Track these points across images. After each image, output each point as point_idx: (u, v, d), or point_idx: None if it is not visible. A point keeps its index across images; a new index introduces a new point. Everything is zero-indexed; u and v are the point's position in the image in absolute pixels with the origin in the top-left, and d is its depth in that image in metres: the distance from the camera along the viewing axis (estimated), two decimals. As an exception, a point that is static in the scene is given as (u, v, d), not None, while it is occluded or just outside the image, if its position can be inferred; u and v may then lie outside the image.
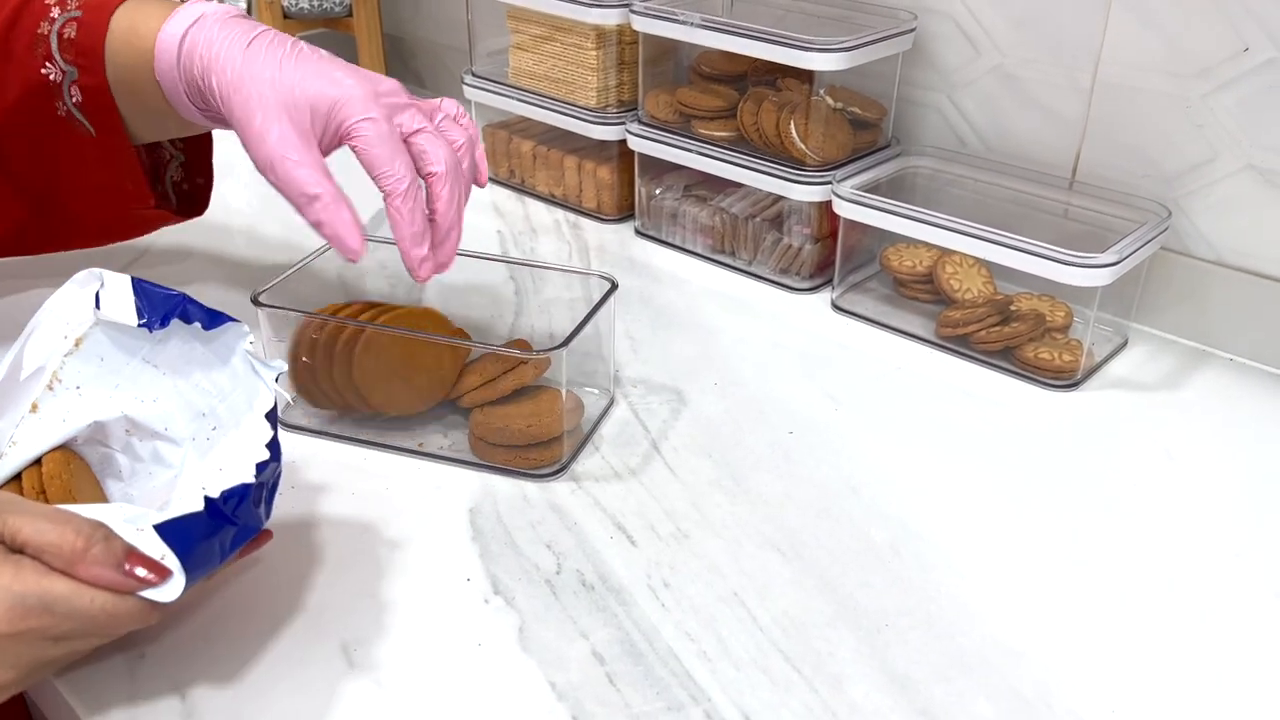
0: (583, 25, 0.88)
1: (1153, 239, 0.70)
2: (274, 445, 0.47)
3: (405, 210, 0.57)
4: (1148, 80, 0.72)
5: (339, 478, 0.60)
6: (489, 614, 0.51)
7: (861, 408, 0.68)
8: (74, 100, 0.61)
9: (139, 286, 0.51)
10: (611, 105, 0.91)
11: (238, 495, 0.44)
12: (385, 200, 0.57)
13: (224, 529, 0.43)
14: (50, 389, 0.50)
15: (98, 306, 0.50)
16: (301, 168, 0.56)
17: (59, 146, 0.63)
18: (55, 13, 0.61)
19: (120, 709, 0.46)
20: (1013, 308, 0.74)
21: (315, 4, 1.16)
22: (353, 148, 0.58)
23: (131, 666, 0.48)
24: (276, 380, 0.50)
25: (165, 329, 0.50)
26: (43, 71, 0.60)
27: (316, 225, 0.57)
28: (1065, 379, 0.70)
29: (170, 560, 0.41)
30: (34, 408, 0.50)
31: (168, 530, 0.42)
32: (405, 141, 0.58)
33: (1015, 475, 0.62)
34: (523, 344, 0.67)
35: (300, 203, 0.57)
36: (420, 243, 0.58)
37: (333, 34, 1.23)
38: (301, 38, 1.27)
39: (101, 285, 0.50)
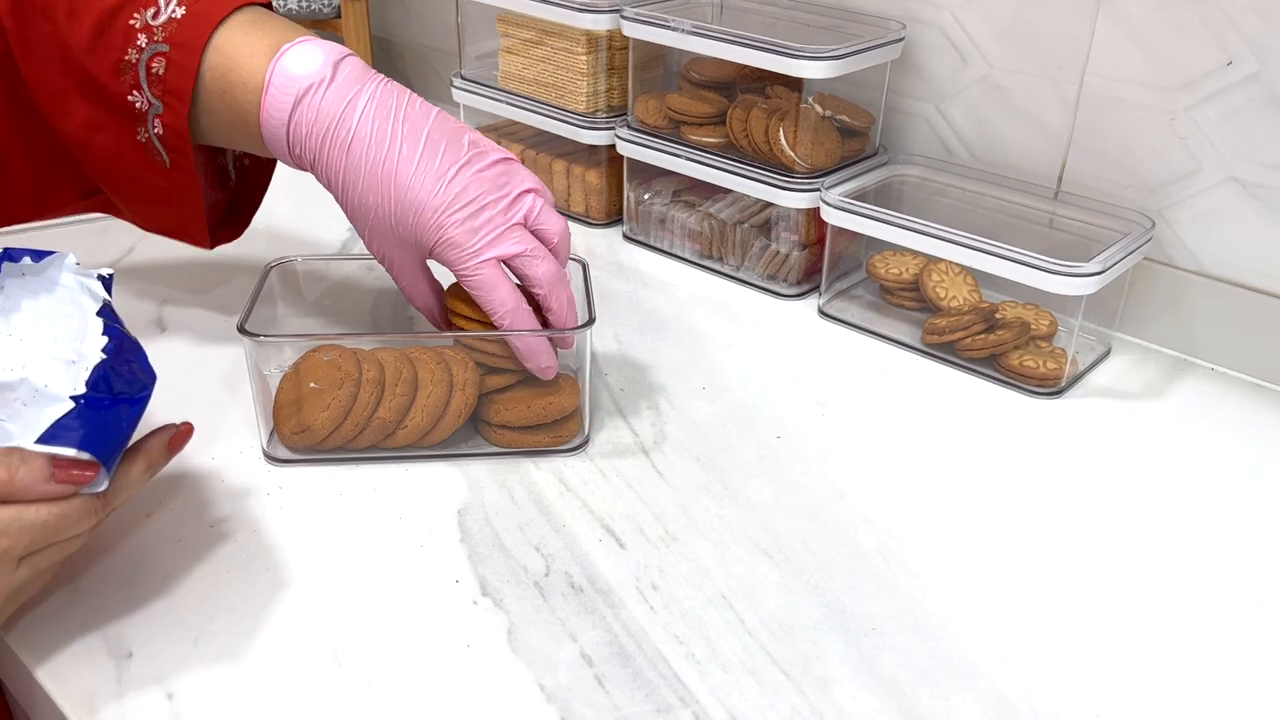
0: (573, 30, 0.88)
1: (1136, 249, 0.71)
2: (108, 319, 0.49)
3: (524, 334, 0.60)
4: (1132, 92, 0.73)
5: (326, 479, 0.60)
6: (477, 616, 0.51)
7: (848, 413, 0.68)
8: (155, 131, 0.60)
9: None
10: (601, 110, 0.91)
11: (99, 375, 0.46)
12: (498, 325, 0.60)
13: (113, 408, 0.45)
14: None
15: None
16: (408, 293, 0.64)
17: (135, 166, 0.62)
18: (142, 40, 0.59)
19: (107, 709, 0.45)
20: (998, 316, 0.75)
21: (304, 5, 1.16)
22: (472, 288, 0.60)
23: (119, 666, 0.47)
24: (100, 279, 0.50)
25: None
26: (130, 99, 0.59)
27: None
28: (1049, 387, 0.71)
29: (85, 455, 0.44)
30: None
31: (57, 434, 0.44)
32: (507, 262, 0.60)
33: (1000, 481, 0.62)
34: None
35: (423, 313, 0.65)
36: (537, 356, 0.60)
37: (320, 36, 1.23)
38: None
39: None
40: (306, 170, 0.61)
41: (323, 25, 1.17)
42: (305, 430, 0.59)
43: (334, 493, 0.59)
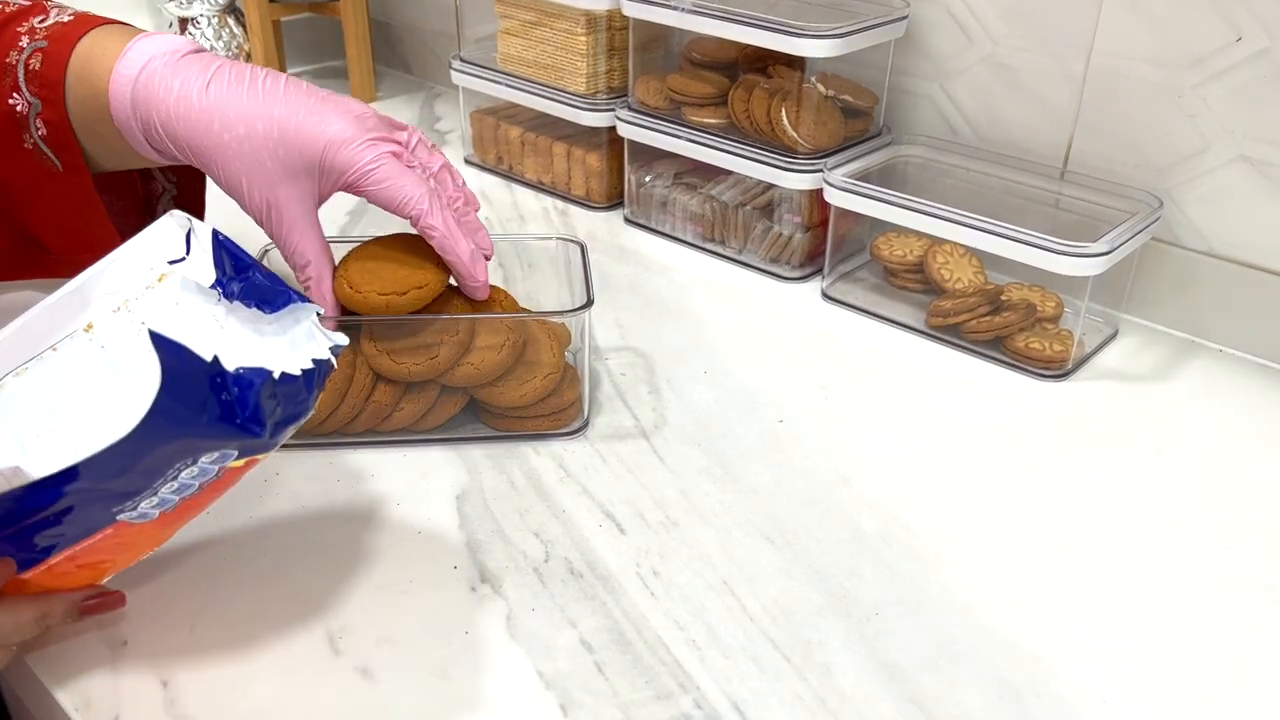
0: (573, 10, 0.87)
1: (1144, 229, 0.70)
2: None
3: (445, 226, 0.57)
4: (1140, 70, 0.72)
5: (322, 464, 0.59)
6: (476, 602, 0.51)
7: (852, 397, 0.67)
8: (39, 133, 0.58)
9: (218, 241, 0.47)
10: (601, 91, 0.90)
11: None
12: (416, 223, 0.57)
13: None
14: (116, 312, 0.44)
15: (188, 250, 0.46)
16: (291, 233, 0.57)
17: (29, 179, 0.60)
18: (25, 41, 0.58)
19: (102, 697, 0.45)
20: (1003, 297, 0.74)
21: (302, -12, 1.15)
22: (363, 193, 0.57)
23: (114, 654, 0.47)
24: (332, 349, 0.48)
25: (230, 302, 0.46)
26: (10, 102, 0.58)
27: (305, 288, 0.58)
28: (1055, 369, 0.70)
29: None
30: (89, 327, 0.44)
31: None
32: None
33: (1005, 465, 0.62)
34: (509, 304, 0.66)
35: (290, 264, 0.58)
36: (461, 244, 0.58)
37: (318, 19, 1.22)
38: (286, 23, 1.27)
39: (191, 229, 0.47)
40: (158, 149, 0.59)
41: (321, 9, 1.16)
42: None
43: (330, 478, 0.58)
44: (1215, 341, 0.74)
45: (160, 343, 0.41)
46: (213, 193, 0.73)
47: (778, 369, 0.70)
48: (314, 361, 0.45)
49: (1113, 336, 0.75)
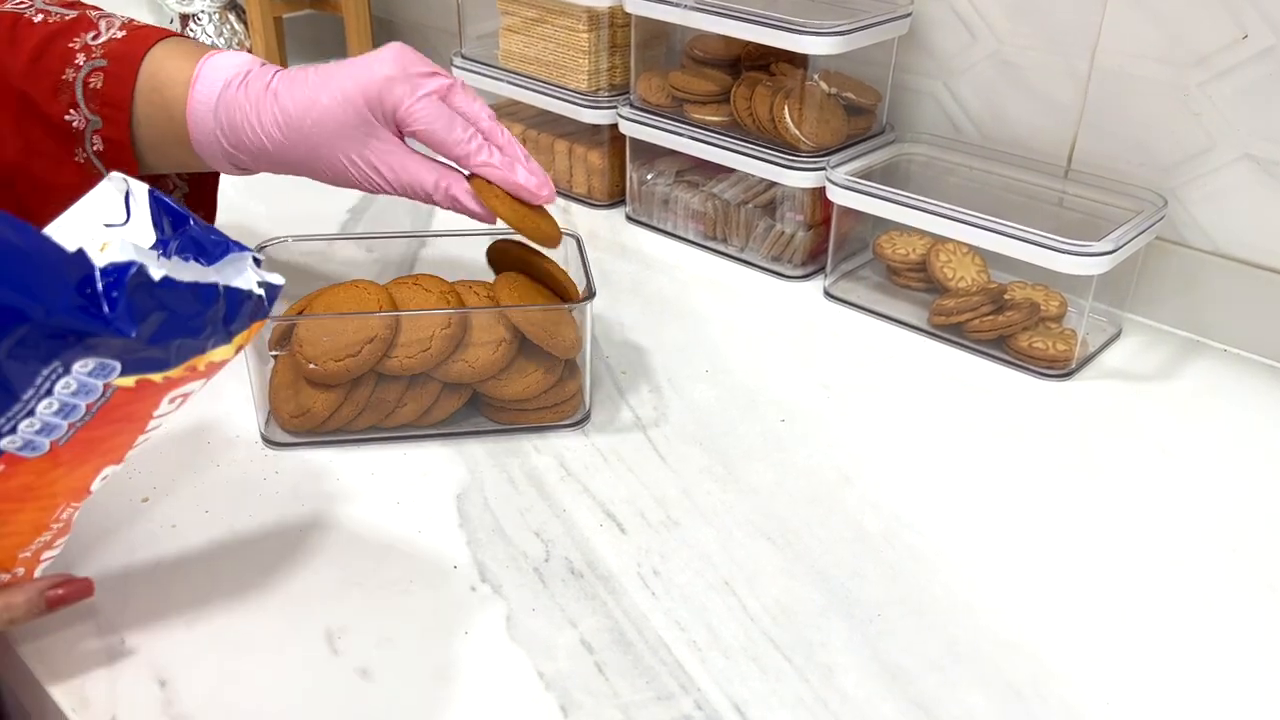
0: (575, 8, 0.87)
1: (1148, 228, 0.70)
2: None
3: (491, 162, 0.59)
4: (1145, 68, 0.72)
5: (323, 463, 0.59)
6: (476, 602, 0.50)
7: (854, 396, 0.67)
8: (94, 149, 0.60)
9: (156, 199, 0.46)
10: (603, 89, 0.90)
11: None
12: (466, 164, 0.59)
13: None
14: None
15: (128, 215, 0.46)
16: (405, 171, 0.59)
17: (75, 191, 0.62)
18: (81, 59, 0.60)
19: (100, 696, 0.45)
20: (1007, 296, 0.73)
21: (304, -16, 1.14)
22: (413, 133, 0.59)
23: (111, 653, 0.47)
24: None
25: (170, 259, 0.45)
26: (66, 118, 0.60)
27: (450, 204, 0.60)
28: (1059, 369, 0.70)
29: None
30: None
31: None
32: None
33: (1008, 465, 0.61)
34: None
35: (425, 198, 0.60)
36: (516, 170, 0.59)
37: (320, 16, 1.22)
38: (288, 20, 1.27)
39: (129, 191, 0.46)
40: (242, 166, 0.61)
41: (323, 5, 1.16)
42: (306, 413, 0.59)
43: (331, 477, 0.58)
44: (1219, 341, 0.74)
45: None
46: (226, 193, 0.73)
47: (779, 368, 0.70)
48: (225, 288, 0.43)
49: (1116, 336, 0.75)
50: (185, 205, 0.72)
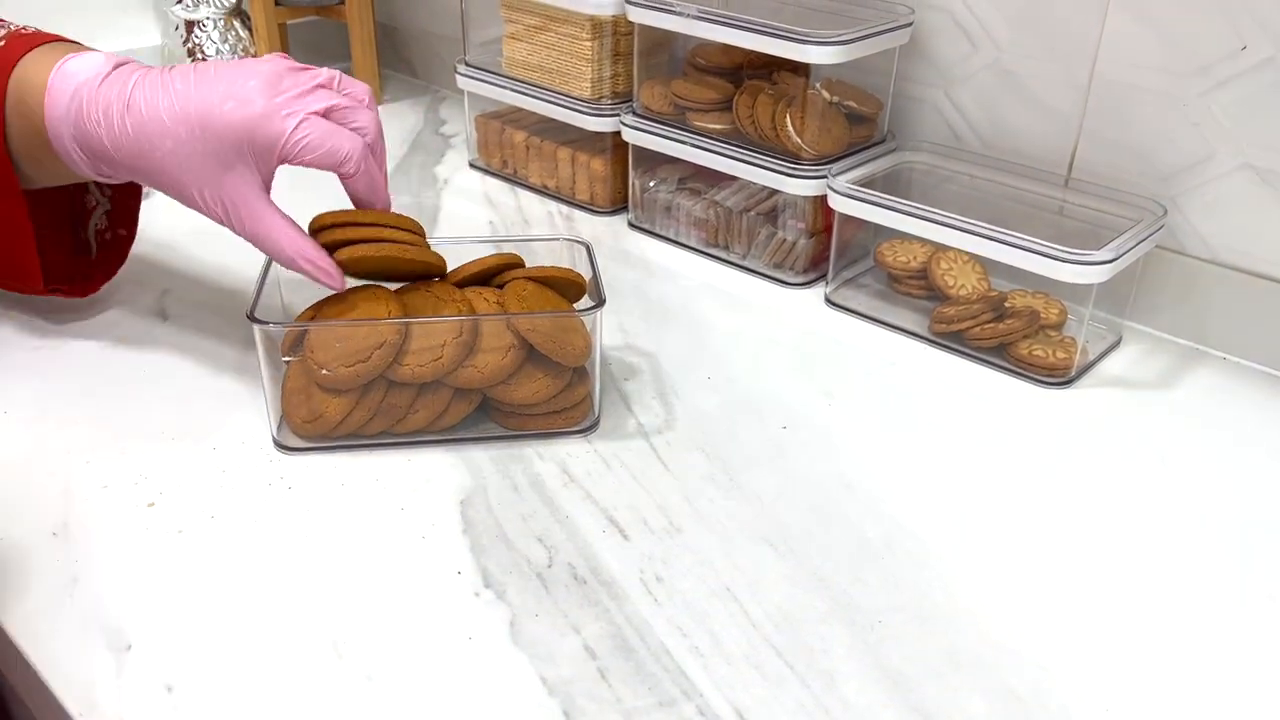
0: (578, 16, 0.87)
1: (1148, 237, 0.70)
2: None
3: (365, 177, 0.59)
4: (1145, 78, 0.72)
5: (328, 469, 0.59)
6: (480, 607, 0.51)
7: (855, 404, 0.67)
8: None
9: None
10: (606, 97, 0.91)
11: None
12: (347, 181, 0.59)
13: None
14: None
15: None
16: (273, 242, 0.58)
17: None
18: None
19: (107, 701, 0.45)
20: (1007, 304, 0.74)
21: (307, -9, 1.15)
22: (300, 163, 0.57)
23: (118, 658, 0.47)
24: None
25: None
26: None
27: (308, 275, 0.59)
28: (1059, 376, 0.70)
29: None
30: None
31: None
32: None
33: (1009, 472, 0.61)
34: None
35: (280, 262, 0.59)
36: (383, 187, 0.60)
37: (324, 22, 1.23)
38: (291, 27, 1.27)
39: None
40: (107, 176, 0.59)
41: (327, 12, 1.16)
42: (318, 418, 0.59)
43: (336, 483, 0.58)
44: (1219, 349, 0.74)
45: None
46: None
47: (781, 375, 0.70)
48: None
49: (1116, 344, 0.75)
50: (107, 220, 0.72)
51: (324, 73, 0.59)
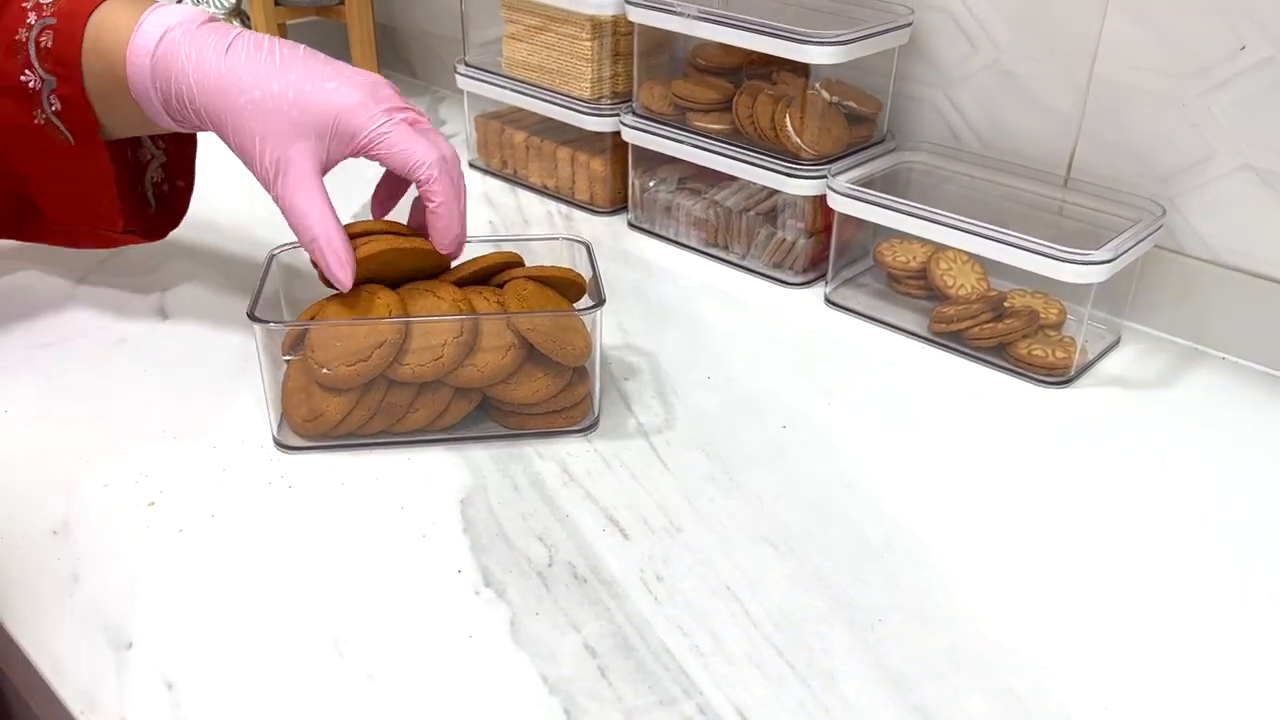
0: (578, 16, 0.87)
1: (1147, 237, 0.70)
2: None
3: (444, 190, 0.59)
4: (1144, 78, 0.72)
5: (328, 468, 0.60)
6: (480, 606, 0.51)
7: (855, 403, 0.67)
8: (53, 109, 0.60)
9: None
10: (606, 97, 0.91)
11: None
12: (423, 188, 0.59)
13: None
14: None
15: None
16: (296, 193, 0.58)
17: (37, 153, 0.62)
18: (32, 19, 0.59)
19: (108, 700, 0.45)
20: (1006, 304, 0.74)
21: (307, -9, 1.15)
22: (375, 157, 0.59)
23: (119, 657, 0.47)
24: None
25: None
26: (22, 79, 0.59)
27: (314, 261, 0.59)
28: (1058, 376, 0.70)
29: None
30: None
31: None
32: None
33: (1008, 472, 0.62)
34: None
35: (302, 239, 0.59)
36: (457, 220, 0.60)
37: (324, 22, 1.23)
38: (291, 27, 1.27)
39: None
40: (176, 117, 0.60)
41: (326, 12, 1.16)
42: (319, 417, 0.59)
43: (336, 482, 0.58)
44: (1218, 349, 0.74)
45: None
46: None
47: (781, 375, 0.70)
48: None
49: (1115, 344, 0.75)
50: (163, 173, 0.73)
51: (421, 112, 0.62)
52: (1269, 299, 0.71)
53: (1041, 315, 0.73)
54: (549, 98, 0.92)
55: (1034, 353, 0.70)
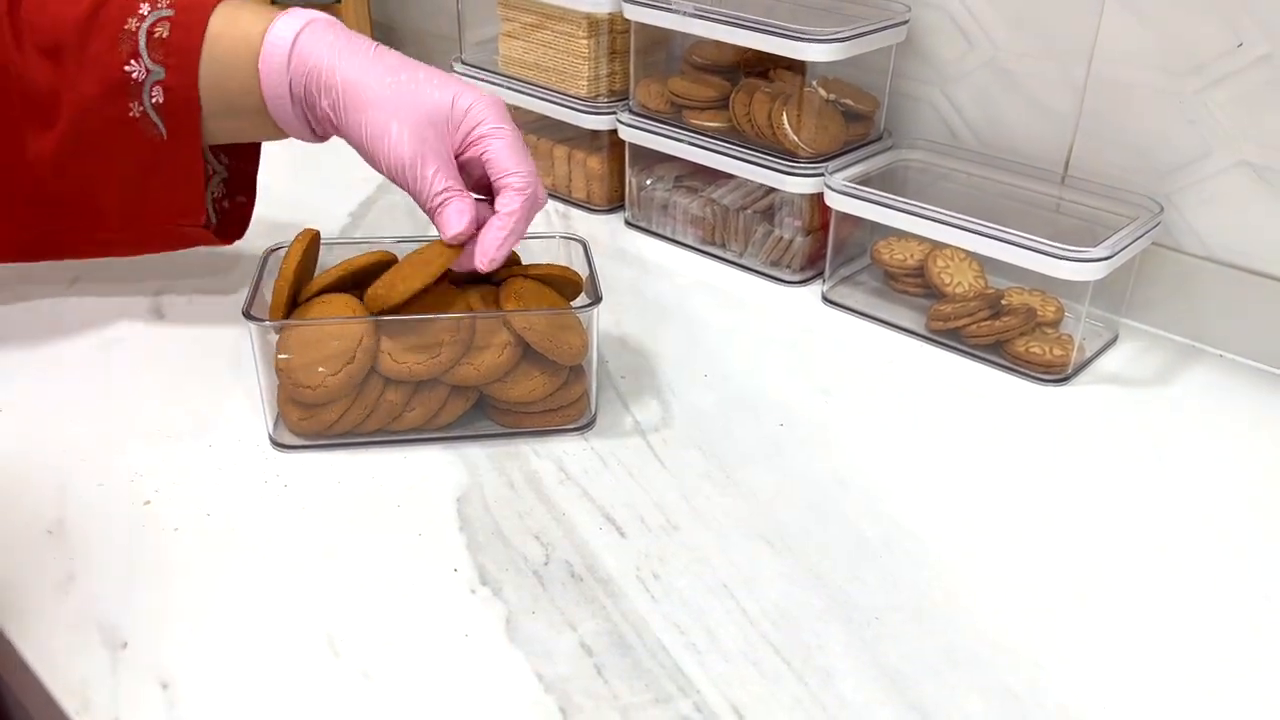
0: (574, 13, 0.87)
1: (1144, 234, 0.70)
2: None
3: (523, 209, 0.59)
4: (1141, 75, 0.72)
5: (324, 467, 0.59)
6: (476, 605, 0.51)
7: (852, 401, 0.67)
8: (153, 100, 0.60)
9: None
10: (602, 95, 0.91)
11: None
12: (507, 194, 0.58)
13: None
14: None
15: None
16: (437, 174, 0.58)
17: (120, 149, 0.62)
18: (145, 9, 0.60)
19: (102, 699, 0.45)
20: (1004, 302, 0.74)
21: (303, -10, 1.15)
22: (484, 150, 0.59)
23: (114, 656, 0.47)
24: None
25: None
26: (125, 69, 0.60)
27: (435, 214, 0.59)
28: (1055, 374, 0.70)
29: None
30: None
31: None
32: None
33: (1005, 469, 0.62)
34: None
35: (425, 201, 0.59)
36: (514, 236, 0.59)
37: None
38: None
39: None
40: (306, 105, 0.61)
41: (323, 10, 1.16)
42: (314, 416, 0.59)
43: (332, 480, 0.58)
44: (1215, 346, 0.74)
45: None
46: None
47: (778, 372, 0.70)
48: None
49: (1113, 341, 0.75)
50: (224, 189, 0.73)
51: None
52: (1266, 296, 0.71)
53: (1039, 313, 0.73)
54: (546, 96, 0.92)
55: (1031, 350, 0.70)
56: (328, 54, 0.60)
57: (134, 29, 0.59)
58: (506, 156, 0.59)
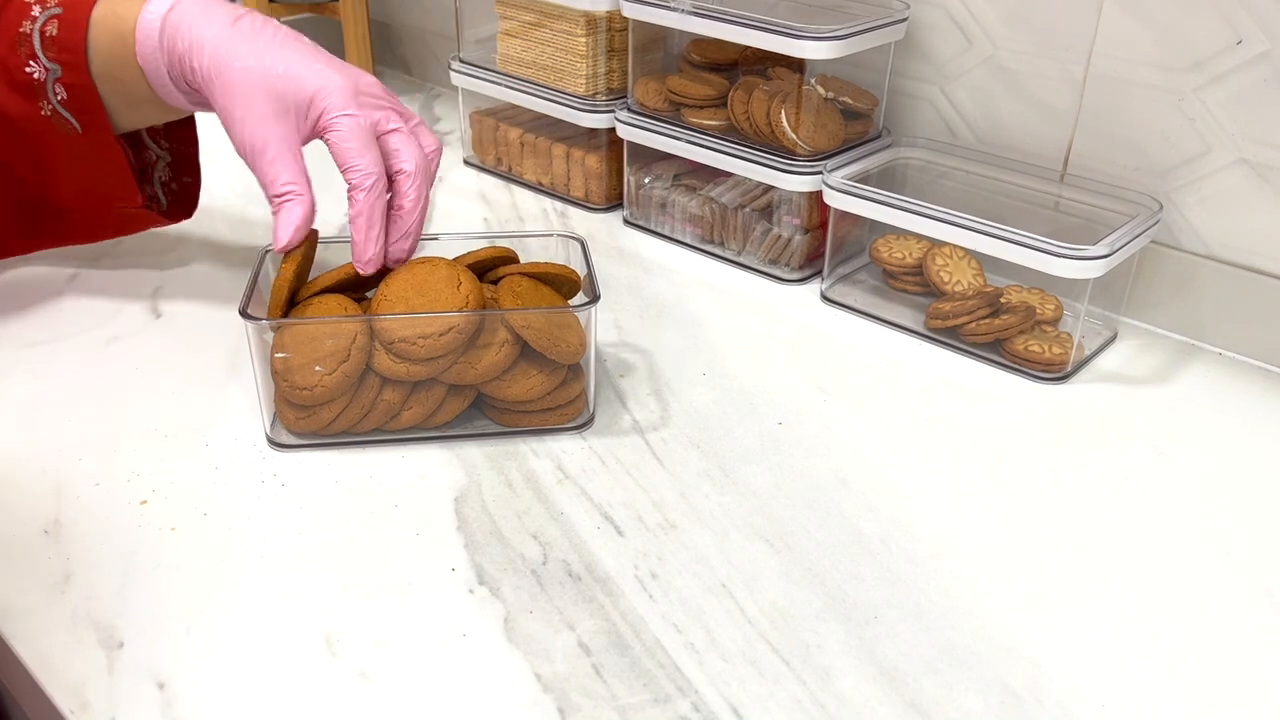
0: (572, 11, 0.87)
1: (1144, 232, 0.70)
2: None
3: (366, 205, 0.58)
4: (1140, 73, 0.72)
5: (322, 466, 0.59)
6: (474, 604, 0.50)
7: (851, 399, 0.67)
8: (59, 98, 0.61)
9: None
10: (601, 93, 0.90)
11: None
12: (349, 193, 0.58)
13: None
14: None
15: None
16: (275, 163, 0.58)
17: (45, 146, 0.63)
18: (36, 11, 0.60)
19: (98, 699, 0.45)
20: (1003, 300, 0.74)
21: (301, -12, 1.15)
22: (326, 140, 0.59)
23: (110, 656, 0.47)
24: None
25: None
26: (27, 70, 0.60)
27: (274, 214, 0.59)
28: (1055, 372, 0.70)
29: None
30: None
31: None
32: (378, 139, 0.60)
33: (1004, 468, 0.61)
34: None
35: (267, 193, 0.59)
36: (374, 241, 0.59)
37: (318, 19, 1.22)
38: (286, 23, 1.27)
39: None
40: (182, 82, 0.60)
41: (320, 9, 1.16)
42: (311, 415, 0.59)
43: (329, 480, 0.58)
44: (1215, 344, 0.74)
45: None
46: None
47: (777, 371, 0.70)
48: None
49: (1112, 339, 0.75)
50: (170, 172, 0.73)
51: (409, 111, 0.63)
52: (1265, 294, 0.71)
53: (1038, 311, 0.73)
54: (544, 94, 0.92)
55: (1030, 348, 0.70)
56: (194, 32, 0.59)
57: (28, 31, 0.60)
58: (342, 149, 0.58)
